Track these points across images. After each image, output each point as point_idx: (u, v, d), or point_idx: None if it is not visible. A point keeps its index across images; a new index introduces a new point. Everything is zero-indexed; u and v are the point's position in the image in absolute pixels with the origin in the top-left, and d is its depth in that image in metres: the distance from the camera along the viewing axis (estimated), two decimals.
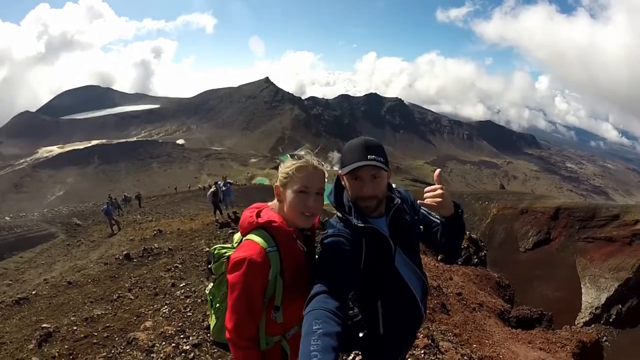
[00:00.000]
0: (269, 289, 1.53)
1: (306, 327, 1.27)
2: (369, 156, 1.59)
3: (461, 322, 10.54)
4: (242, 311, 1.47)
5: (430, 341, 5.05)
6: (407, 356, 4.39)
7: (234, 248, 1.65)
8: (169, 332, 4.87)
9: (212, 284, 1.77)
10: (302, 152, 1.65)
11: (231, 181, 16.01)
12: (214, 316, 1.73)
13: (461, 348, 6.46)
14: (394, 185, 1.89)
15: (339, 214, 1.74)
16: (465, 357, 5.31)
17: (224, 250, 1.68)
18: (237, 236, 1.72)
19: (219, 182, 15.91)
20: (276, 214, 1.62)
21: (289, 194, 1.58)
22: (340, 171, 1.72)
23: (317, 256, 1.67)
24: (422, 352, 4.59)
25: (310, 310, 1.34)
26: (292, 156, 1.63)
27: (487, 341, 10.14)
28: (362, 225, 1.65)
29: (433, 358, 4.58)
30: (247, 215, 1.65)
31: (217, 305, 1.71)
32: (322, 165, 1.63)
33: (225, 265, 1.63)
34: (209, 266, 1.74)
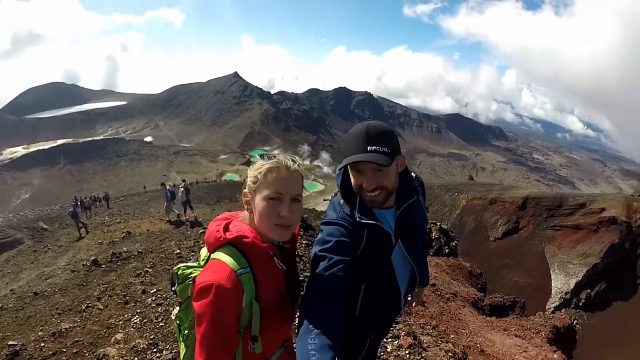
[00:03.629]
0: (244, 317, 1.30)
1: (303, 326, 1.24)
2: (369, 147, 1.41)
3: (437, 313, 10.65)
4: (213, 346, 1.22)
5: (413, 339, 5.00)
6: (392, 358, 4.32)
7: (201, 267, 1.42)
8: (141, 345, 4.60)
9: (178, 307, 1.52)
10: (276, 152, 1.45)
11: (169, 186, 16.11)
12: (183, 344, 1.48)
13: (441, 341, 6.48)
14: (413, 175, 1.73)
15: (341, 201, 1.58)
16: (449, 353, 5.30)
17: (188, 271, 1.45)
18: (203, 251, 1.48)
19: (186, 180, 15.94)
20: (248, 227, 1.38)
21: (259, 202, 1.34)
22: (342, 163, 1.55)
23: (314, 245, 1.51)
24: (407, 352, 4.53)
25: (306, 308, 1.29)
26: (262, 156, 1.39)
27: (463, 331, 10.28)
28: (366, 222, 1.51)
29: (418, 357, 4.52)
30: (213, 229, 1.38)
31: (186, 332, 1.46)
32: (300, 166, 1.40)
33: (191, 288, 1.40)
34: (173, 289, 1.49)
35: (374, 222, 1.53)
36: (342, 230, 1.48)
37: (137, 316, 5.70)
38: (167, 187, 15.81)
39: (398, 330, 5.07)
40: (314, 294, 1.33)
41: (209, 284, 1.21)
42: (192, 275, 1.41)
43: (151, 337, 4.93)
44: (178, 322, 1.51)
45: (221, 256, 1.29)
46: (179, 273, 1.46)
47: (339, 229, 1.49)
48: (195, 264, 1.48)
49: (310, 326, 1.22)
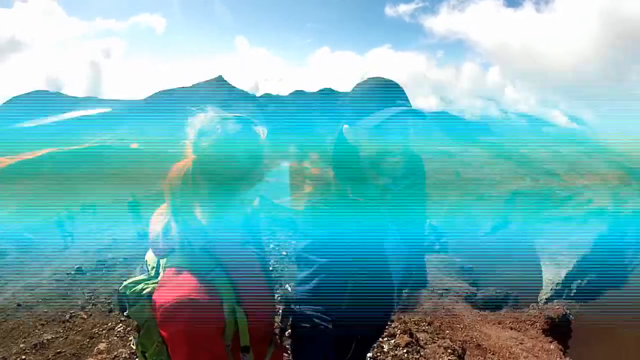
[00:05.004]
0: (228, 328, 1.02)
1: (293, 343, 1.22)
2: None
3: (431, 309, 10.62)
4: None
5: (410, 337, 4.87)
6: (390, 358, 4.17)
7: (154, 278, 1.10)
8: (124, 355, 4.42)
9: (137, 333, 1.16)
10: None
11: None
12: None
13: (437, 337, 6.40)
14: None
15: None
16: (448, 350, 5.18)
17: (139, 287, 1.09)
18: (150, 257, 1.17)
19: None
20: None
21: None
22: None
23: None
24: (405, 351, 4.39)
25: (301, 305, 1.22)
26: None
27: (458, 325, 10.25)
28: None
29: (417, 356, 4.37)
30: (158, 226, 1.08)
31: (154, 358, 1.13)
32: None
33: (147, 307, 1.06)
34: (125, 313, 1.13)
35: None
36: None
37: (120, 324, 5.57)
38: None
39: (394, 328, 4.94)
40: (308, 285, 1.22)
41: (175, 303, 0.94)
42: (146, 291, 1.08)
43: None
44: (142, 349, 1.17)
45: (179, 261, 1.01)
46: (128, 292, 1.10)
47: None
48: (144, 276, 1.14)
49: (302, 340, 1.18)
